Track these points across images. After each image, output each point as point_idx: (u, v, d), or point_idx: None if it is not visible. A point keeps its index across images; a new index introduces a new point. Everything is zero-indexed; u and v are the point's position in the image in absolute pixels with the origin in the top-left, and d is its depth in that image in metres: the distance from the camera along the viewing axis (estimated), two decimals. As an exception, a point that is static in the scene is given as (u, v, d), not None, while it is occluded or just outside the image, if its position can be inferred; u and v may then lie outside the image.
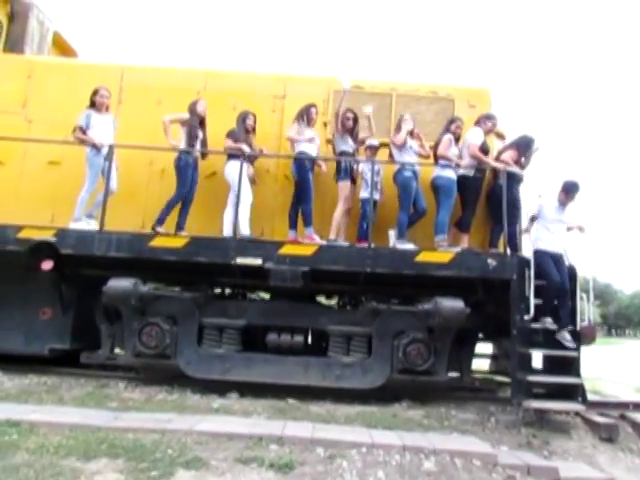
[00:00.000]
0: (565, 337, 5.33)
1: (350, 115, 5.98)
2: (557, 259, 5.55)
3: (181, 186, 5.73)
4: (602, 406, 5.70)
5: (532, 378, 5.20)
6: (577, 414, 5.38)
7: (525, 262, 5.40)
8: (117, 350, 6.16)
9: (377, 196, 5.97)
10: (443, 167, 5.86)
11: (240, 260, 5.39)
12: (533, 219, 5.84)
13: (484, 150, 5.99)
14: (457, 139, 6.05)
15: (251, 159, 6.00)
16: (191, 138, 5.81)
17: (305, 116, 5.88)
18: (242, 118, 5.99)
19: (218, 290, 6.43)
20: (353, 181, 5.98)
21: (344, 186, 5.84)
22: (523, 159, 6.13)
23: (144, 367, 5.81)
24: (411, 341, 5.55)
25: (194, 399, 5.29)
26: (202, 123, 5.98)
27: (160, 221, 5.67)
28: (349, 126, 5.99)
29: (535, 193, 6.10)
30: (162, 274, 6.09)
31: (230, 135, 5.89)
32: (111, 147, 5.67)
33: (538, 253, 5.49)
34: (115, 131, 5.97)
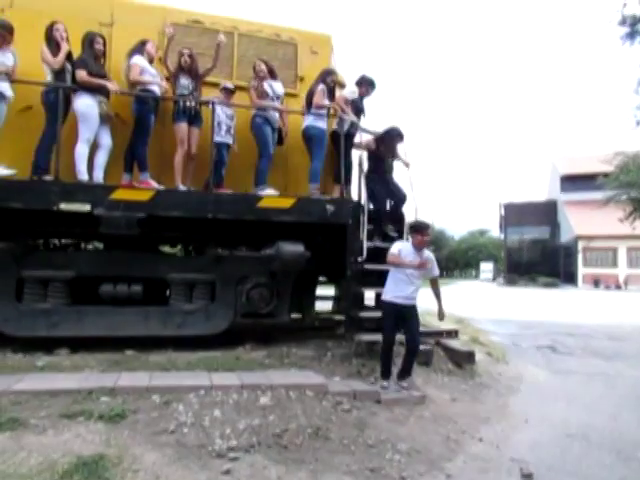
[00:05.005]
0: None
1: (187, 52, 5.56)
2: None
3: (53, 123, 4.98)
4: (422, 335, 6.42)
5: (363, 314, 5.70)
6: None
7: (360, 208, 5.73)
8: None
9: (230, 140, 5.80)
10: (316, 118, 5.91)
11: (64, 206, 4.82)
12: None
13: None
14: (330, 92, 6.09)
15: (107, 94, 5.27)
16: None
17: (145, 52, 5.38)
18: (89, 42, 5.21)
19: (42, 240, 5.79)
20: (191, 123, 5.61)
21: (179, 128, 5.52)
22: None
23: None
24: (254, 286, 5.67)
25: (15, 359, 4.79)
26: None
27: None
28: (186, 64, 5.56)
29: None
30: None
31: (81, 65, 5.10)
32: None
33: None
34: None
